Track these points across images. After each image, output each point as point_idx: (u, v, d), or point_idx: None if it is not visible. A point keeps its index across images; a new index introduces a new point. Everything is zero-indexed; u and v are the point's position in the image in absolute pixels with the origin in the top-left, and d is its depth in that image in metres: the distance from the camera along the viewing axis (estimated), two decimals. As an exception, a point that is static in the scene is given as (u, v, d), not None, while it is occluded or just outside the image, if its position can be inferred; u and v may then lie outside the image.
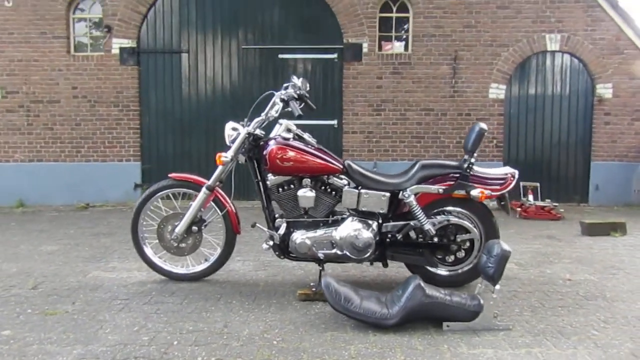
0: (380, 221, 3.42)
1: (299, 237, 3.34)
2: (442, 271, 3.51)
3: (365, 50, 7.63)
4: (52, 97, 7.65)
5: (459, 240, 3.44)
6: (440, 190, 3.38)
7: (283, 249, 3.42)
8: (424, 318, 2.82)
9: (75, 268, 4.08)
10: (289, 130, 3.43)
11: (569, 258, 4.46)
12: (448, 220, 3.41)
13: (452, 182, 3.39)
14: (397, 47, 7.85)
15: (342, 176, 3.45)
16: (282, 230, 3.39)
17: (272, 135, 3.45)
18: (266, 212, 3.51)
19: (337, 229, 3.36)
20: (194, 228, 3.59)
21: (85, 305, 3.17)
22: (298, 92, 3.46)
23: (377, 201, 3.39)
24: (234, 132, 3.47)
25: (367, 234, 3.32)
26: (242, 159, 3.49)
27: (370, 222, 3.39)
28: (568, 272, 4.01)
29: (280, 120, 3.47)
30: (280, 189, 3.43)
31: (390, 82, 7.69)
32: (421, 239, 3.42)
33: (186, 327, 2.82)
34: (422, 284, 2.85)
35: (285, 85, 3.50)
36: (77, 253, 4.61)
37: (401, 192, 3.37)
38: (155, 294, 3.39)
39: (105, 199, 7.62)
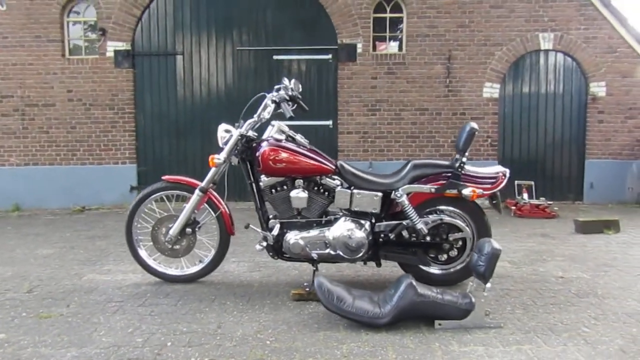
0: (373, 221, 3.44)
1: (293, 237, 3.36)
2: (434, 270, 3.54)
3: (359, 50, 7.65)
4: (47, 101, 7.65)
5: (451, 239, 3.46)
6: (432, 190, 3.40)
7: (277, 249, 3.44)
8: (416, 317, 2.84)
9: (70, 271, 4.09)
10: (281, 131, 3.45)
11: (562, 256, 4.49)
12: (440, 220, 3.44)
13: (444, 182, 3.41)
14: (392, 47, 7.88)
15: (335, 177, 3.47)
16: (275, 231, 3.42)
17: (264, 136, 3.47)
18: (260, 213, 3.53)
19: (330, 229, 3.38)
20: (188, 230, 3.61)
21: (79, 308, 3.19)
22: (290, 93, 3.49)
23: (369, 201, 3.41)
24: (227, 134, 3.49)
25: (360, 234, 3.34)
26: (235, 160, 3.51)
27: (363, 222, 3.42)
28: (561, 269, 4.03)
29: (273, 122, 3.49)
30: (274, 190, 3.45)
31: (384, 82, 7.71)
32: (414, 238, 3.44)
33: (180, 328, 2.84)
34: (414, 282, 2.87)
35: (276, 87, 3.52)
36: (72, 256, 4.62)
37: (393, 192, 3.40)
38: (150, 296, 3.41)
39: (101, 201, 7.62)
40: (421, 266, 3.50)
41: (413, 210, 3.38)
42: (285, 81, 3.55)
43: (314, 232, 3.39)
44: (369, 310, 2.81)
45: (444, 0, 7.60)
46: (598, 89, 7.70)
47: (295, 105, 3.61)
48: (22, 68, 7.59)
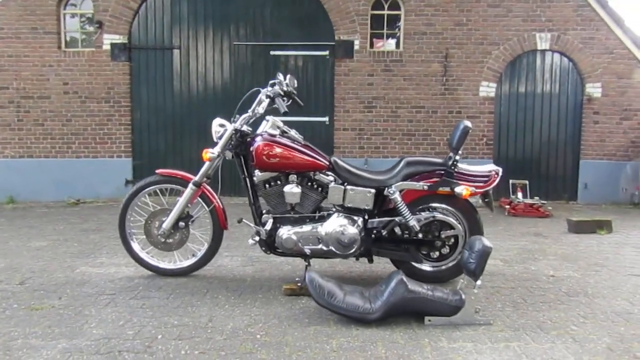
0: (365, 217, 3.45)
1: (285, 232, 3.37)
2: (426, 267, 3.55)
3: (356, 47, 7.65)
4: (42, 93, 7.63)
5: (443, 236, 3.48)
6: (425, 187, 3.42)
7: (270, 244, 3.45)
8: (406, 313, 2.85)
9: (63, 264, 4.09)
10: (275, 126, 3.45)
11: (554, 255, 4.52)
12: (433, 217, 3.45)
13: (437, 179, 3.42)
14: (389, 44, 7.89)
15: (329, 172, 3.48)
16: (268, 226, 3.42)
17: (258, 131, 3.47)
18: (253, 208, 3.53)
19: (323, 224, 3.39)
20: (181, 224, 3.61)
21: (71, 300, 3.19)
22: (284, 88, 3.49)
23: (362, 197, 3.42)
24: (221, 128, 3.49)
25: (352, 230, 3.36)
26: (229, 155, 3.51)
27: (355, 218, 3.43)
28: (552, 268, 4.06)
29: (267, 117, 3.50)
30: (267, 185, 3.45)
31: (381, 79, 7.72)
32: (406, 235, 3.46)
33: (171, 321, 2.85)
34: (405, 279, 2.89)
35: (271, 82, 3.53)
36: (65, 249, 4.62)
37: (386, 189, 3.40)
38: (142, 289, 3.41)
39: (96, 195, 7.61)
40: (413, 263, 3.52)
41: (406, 207, 3.39)
42: (280, 76, 3.55)
43: (306, 228, 3.40)
44: (359, 305, 2.82)
45: (441, -1, 7.61)
46: (594, 89, 7.73)
47: (290, 100, 3.62)
48: (18, 60, 7.56)
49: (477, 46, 7.68)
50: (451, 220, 3.47)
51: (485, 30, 7.65)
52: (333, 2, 7.57)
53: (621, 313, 3.06)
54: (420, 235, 3.44)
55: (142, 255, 3.72)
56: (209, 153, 3.43)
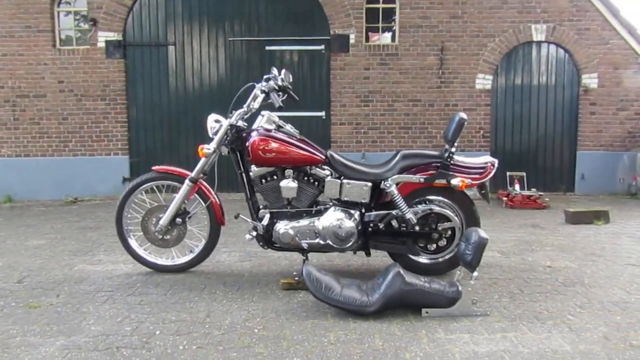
0: (362, 211, 3.46)
1: (283, 227, 3.37)
2: (424, 259, 3.56)
3: (352, 41, 7.64)
4: (38, 92, 7.61)
5: (440, 228, 3.49)
6: (421, 180, 3.42)
7: (267, 239, 3.46)
8: (404, 305, 2.86)
9: (61, 262, 4.09)
10: (271, 121, 3.45)
11: (551, 246, 4.53)
12: (430, 209, 3.46)
13: (433, 172, 3.43)
14: (384, 38, 7.88)
15: (325, 167, 3.48)
16: (265, 221, 3.43)
17: (254, 126, 3.47)
18: (250, 203, 3.54)
19: (320, 218, 3.39)
20: (178, 220, 3.61)
21: (69, 298, 3.20)
22: (279, 83, 3.48)
23: (359, 191, 3.43)
24: (217, 124, 3.49)
25: (349, 224, 3.36)
26: (224, 150, 3.51)
27: (352, 211, 3.43)
28: (549, 259, 4.07)
29: (263, 112, 3.50)
30: (264, 180, 3.46)
31: (377, 73, 7.71)
32: (403, 228, 3.46)
33: (169, 317, 2.86)
34: (402, 271, 2.89)
35: (265, 76, 3.52)
36: (63, 247, 4.62)
37: (383, 182, 3.41)
38: (140, 286, 3.42)
39: (93, 193, 7.61)
40: (410, 256, 3.53)
41: (402, 200, 3.39)
42: (275, 71, 3.54)
43: (303, 222, 3.40)
44: (357, 298, 2.83)
45: (437, -9, 7.59)
46: (590, 80, 7.73)
47: (286, 95, 3.62)
48: (13, 58, 7.54)
49: (472, 38, 7.67)
50: (448, 212, 3.47)
51: (480, 23, 7.64)
52: (328, -4, 7.55)
53: (618, 302, 3.07)
54: (417, 228, 3.44)
55: (140, 252, 3.72)
56: (204, 149, 3.43)
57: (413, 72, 7.72)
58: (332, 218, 3.37)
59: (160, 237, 3.64)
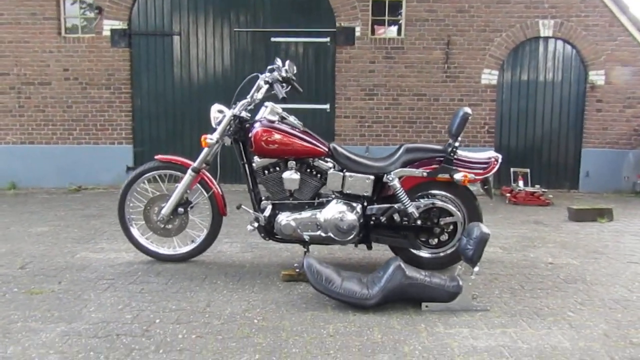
0: (364, 204, 3.45)
1: (284, 219, 3.37)
2: (425, 253, 3.56)
3: (358, 34, 7.59)
4: (43, 79, 7.61)
5: (442, 223, 3.48)
6: (424, 174, 3.41)
7: (268, 230, 3.46)
8: (404, 299, 2.87)
9: (63, 249, 4.11)
10: (274, 112, 3.44)
11: (553, 242, 4.52)
12: (432, 204, 3.45)
13: (436, 166, 3.42)
14: (390, 31, 7.83)
15: (328, 159, 3.47)
16: (267, 212, 3.43)
17: (257, 117, 3.46)
18: (252, 194, 3.54)
19: (322, 211, 3.39)
20: (180, 209, 3.62)
21: (71, 285, 3.21)
22: (283, 74, 3.47)
23: (361, 184, 3.42)
24: (220, 114, 3.49)
25: (351, 217, 3.36)
26: (227, 141, 3.51)
27: (354, 204, 3.43)
28: (551, 256, 4.06)
29: (266, 103, 3.49)
30: (266, 171, 3.46)
31: (382, 66, 7.67)
32: (405, 222, 3.46)
33: (169, 306, 2.87)
34: (403, 265, 2.89)
35: (269, 67, 3.51)
36: (66, 234, 4.64)
37: (385, 176, 3.40)
38: (141, 274, 3.43)
39: (97, 181, 7.62)
40: (412, 249, 3.52)
41: (405, 193, 3.39)
42: (278, 62, 3.53)
43: (305, 214, 3.40)
44: (357, 291, 2.83)
45: (444, -15, 7.53)
46: (597, 77, 7.67)
47: (290, 87, 3.60)
48: (18, 46, 7.53)
49: (479, 33, 7.61)
50: (450, 207, 3.46)
51: (487, 17, 7.58)
52: (334, -12, 7.50)
53: (619, 300, 3.07)
54: (419, 222, 3.44)
55: (142, 240, 3.73)
56: (207, 139, 3.42)
57: (418, 66, 7.67)
58: (334, 211, 3.37)
59: (162, 226, 3.65)
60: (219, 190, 3.64)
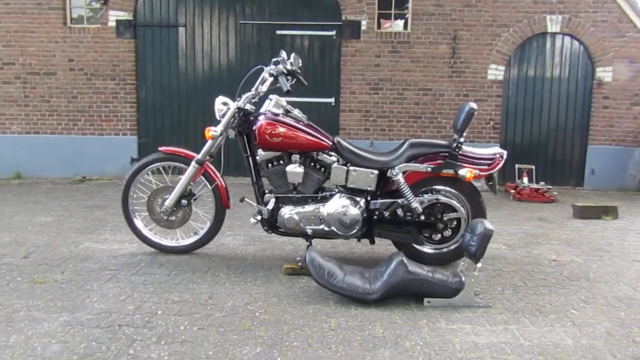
0: (368, 198, 3.44)
1: (288, 212, 3.37)
2: (428, 249, 3.55)
3: (363, 27, 7.55)
4: (48, 69, 7.61)
5: (445, 219, 3.47)
6: (429, 169, 3.39)
7: (271, 223, 3.46)
8: (406, 294, 2.86)
9: (67, 239, 4.12)
10: (279, 105, 3.43)
11: (557, 240, 4.50)
12: (436, 199, 3.44)
13: (440, 161, 3.40)
14: (396, 25, 7.78)
15: (332, 153, 3.46)
16: (270, 205, 3.43)
17: (261, 110, 3.45)
18: (255, 187, 3.53)
19: (325, 205, 3.39)
20: (184, 201, 3.62)
21: (74, 275, 3.22)
22: (288, 67, 3.45)
23: (365, 178, 3.41)
24: (224, 106, 3.48)
25: (354, 211, 3.35)
26: (232, 133, 3.50)
27: (358, 199, 3.42)
28: (555, 253, 4.04)
29: (271, 96, 3.47)
30: (270, 165, 3.45)
31: (388, 60, 7.64)
32: (408, 217, 3.45)
33: (172, 297, 2.87)
34: (405, 260, 2.88)
35: (274, 60, 3.49)
36: (70, 224, 4.65)
37: (389, 170, 3.39)
38: (144, 266, 3.44)
39: (102, 172, 7.64)
40: (415, 245, 3.51)
41: (408, 189, 3.37)
42: (283, 54, 3.51)
43: (308, 208, 3.40)
44: (359, 286, 2.83)
45: (451, -21, 7.47)
46: (604, 74, 7.61)
47: (294, 79, 3.59)
48: (24, 35, 7.53)
49: (486, 28, 7.56)
50: (454, 203, 3.45)
51: (495, 12, 7.52)
52: (341, -19, 7.46)
53: (622, 298, 3.05)
54: (422, 218, 3.43)
55: (145, 232, 3.74)
56: (211, 131, 3.42)
57: (424, 60, 7.63)
58: (338, 205, 3.36)
59: (166, 218, 3.65)
60: (223, 182, 3.63)
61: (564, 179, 7.86)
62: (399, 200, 3.40)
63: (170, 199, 3.58)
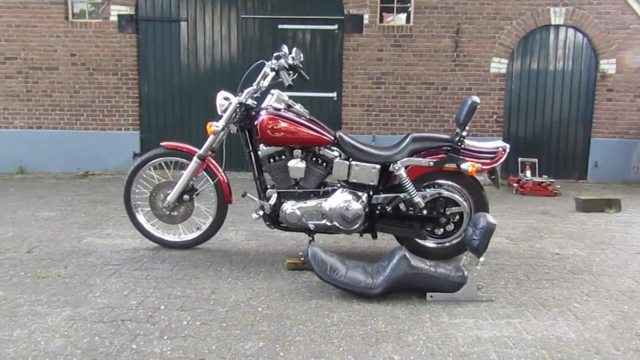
0: (370, 193, 3.44)
1: (290, 207, 3.37)
2: (430, 243, 3.55)
3: (366, 21, 7.51)
4: (50, 64, 7.61)
5: (448, 213, 3.46)
6: (431, 163, 3.39)
7: (273, 219, 3.46)
8: (408, 288, 2.86)
9: (70, 234, 4.13)
10: (280, 100, 3.42)
11: (560, 233, 4.49)
12: (438, 193, 3.43)
13: (443, 155, 3.39)
14: (399, 19, 7.74)
15: (334, 148, 3.45)
16: (272, 201, 3.42)
17: (263, 105, 3.44)
18: (257, 182, 3.53)
19: (328, 200, 3.38)
20: (186, 197, 3.62)
21: (77, 270, 3.23)
22: (289, 62, 3.44)
23: (367, 173, 3.40)
24: (226, 101, 3.47)
25: (356, 206, 3.35)
26: (233, 128, 3.49)
27: (360, 193, 3.41)
28: (558, 246, 4.04)
29: (272, 91, 3.46)
30: (272, 160, 3.44)
31: (391, 54, 7.60)
32: (411, 212, 3.44)
33: (174, 292, 2.88)
34: (408, 255, 2.88)
35: (276, 54, 3.48)
36: (73, 219, 4.66)
37: (392, 165, 3.38)
38: (147, 261, 3.44)
39: (104, 167, 7.65)
40: (417, 239, 3.51)
41: (411, 183, 3.36)
42: (285, 49, 3.50)
43: (311, 203, 3.39)
44: (361, 280, 2.83)
45: (454, -29, 7.42)
46: (608, 66, 7.56)
47: (296, 74, 3.57)
48: (26, 30, 7.52)
49: (489, 21, 7.51)
50: (457, 197, 3.44)
51: (498, 4, 7.47)
52: (343, -26, 7.41)
53: (625, 291, 3.05)
54: (425, 212, 3.42)
55: (148, 227, 3.74)
56: (213, 126, 3.41)
57: (427, 54, 7.59)
58: (340, 199, 3.35)
59: (168, 213, 3.66)
60: (225, 177, 3.63)
61: (567, 172, 7.83)
62: (402, 195, 3.39)
63: (172, 194, 3.59)
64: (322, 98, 7.62)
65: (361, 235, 3.63)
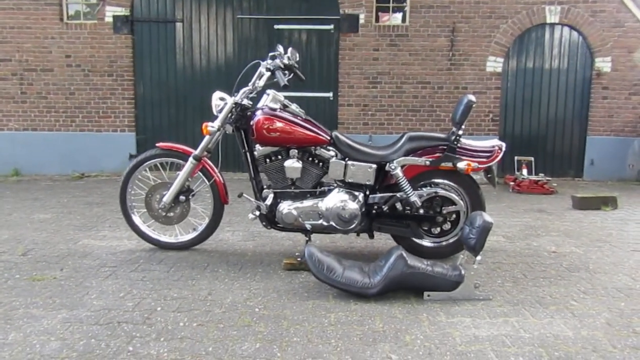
0: (367, 193, 3.43)
1: (286, 207, 3.36)
2: (427, 243, 3.54)
3: (362, 21, 7.51)
4: (45, 66, 7.58)
5: (445, 212, 3.46)
6: (427, 162, 3.38)
7: (270, 219, 3.45)
8: (406, 288, 2.85)
9: (66, 236, 4.12)
10: (276, 100, 3.41)
11: (557, 231, 4.49)
12: (435, 192, 3.43)
13: (439, 154, 3.39)
14: (395, 18, 7.74)
15: (330, 147, 3.45)
16: (269, 201, 3.41)
17: (259, 105, 3.43)
18: (253, 183, 3.52)
19: (324, 200, 3.38)
20: (182, 197, 3.61)
21: (73, 272, 3.22)
22: (285, 61, 3.44)
23: (363, 173, 3.40)
24: (221, 102, 3.46)
25: (353, 205, 3.34)
26: (229, 129, 3.48)
27: (356, 193, 3.41)
28: (554, 244, 4.04)
29: (268, 91, 3.46)
30: (268, 160, 3.43)
31: (386, 54, 7.60)
32: (407, 211, 3.44)
33: (171, 294, 2.87)
34: (405, 254, 2.88)
35: (271, 54, 3.47)
36: (68, 221, 4.64)
37: (388, 164, 3.38)
38: (143, 262, 3.43)
39: (100, 169, 7.62)
40: (414, 239, 3.51)
41: (407, 182, 3.36)
42: (280, 49, 3.49)
43: (307, 203, 3.39)
44: (358, 280, 2.82)
45: (449, -30, 7.42)
46: (603, 64, 7.58)
47: (292, 74, 3.57)
48: (20, 31, 7.49)
49: (484, 20, 7.52)
50: (453, 196, 3.44)
51: (493, 4, 7.48)
52: (338, -27, 7.41)
53: (622, 289, 3.05)
54: (421, 211, 3.42)
55: (144, 228, 3.73)
56: (208, 127, 3.40)
57: (423, 53, 7.60)
58: (336, 199, 3.35)
59: (164, 214, 3.65)
60: (221, 178, 3.62)
61: (563, 170, 7.85)
62: (398, 194, 3.39)
63: (168, 195, 3.57)
64: (318, 98, 7.61)
65: (358, 235, 3.63)
